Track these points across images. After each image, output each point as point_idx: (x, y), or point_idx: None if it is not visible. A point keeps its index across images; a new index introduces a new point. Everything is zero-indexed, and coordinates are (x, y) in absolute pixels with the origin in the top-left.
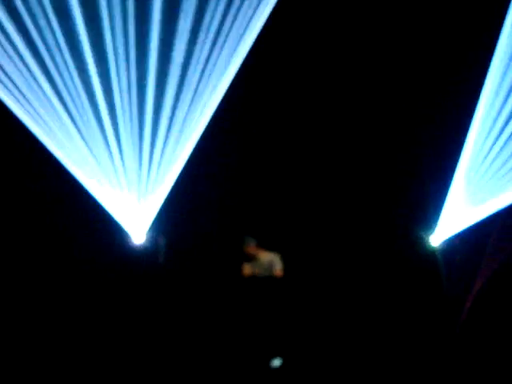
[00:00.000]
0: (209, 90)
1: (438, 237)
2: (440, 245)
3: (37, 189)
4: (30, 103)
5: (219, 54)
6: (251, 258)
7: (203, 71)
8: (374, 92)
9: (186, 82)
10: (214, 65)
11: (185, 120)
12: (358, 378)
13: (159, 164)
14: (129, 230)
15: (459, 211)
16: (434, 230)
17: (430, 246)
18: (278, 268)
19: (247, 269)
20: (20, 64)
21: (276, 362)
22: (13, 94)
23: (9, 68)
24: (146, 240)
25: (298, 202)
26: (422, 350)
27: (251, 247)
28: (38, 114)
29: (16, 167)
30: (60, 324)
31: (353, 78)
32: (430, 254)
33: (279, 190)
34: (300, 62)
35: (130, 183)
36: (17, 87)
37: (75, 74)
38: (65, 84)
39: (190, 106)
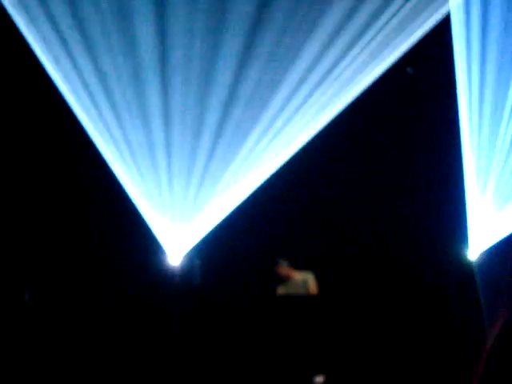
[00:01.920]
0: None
1: (474, 250)
2: (477, 258)
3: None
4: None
5: None
6: (285, 279)
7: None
8: None
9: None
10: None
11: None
12: None
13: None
14: (167, 250)
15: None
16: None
17: (467, 259)
18: (311, 286)
19: (282, 290)
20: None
21: (319, 379)
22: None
23: None
24: (183, 261)
25: (325, 221)
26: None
27: (284, 268)
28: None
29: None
30: (91, 341)
31: None
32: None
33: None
34: None
35: (177, 205)
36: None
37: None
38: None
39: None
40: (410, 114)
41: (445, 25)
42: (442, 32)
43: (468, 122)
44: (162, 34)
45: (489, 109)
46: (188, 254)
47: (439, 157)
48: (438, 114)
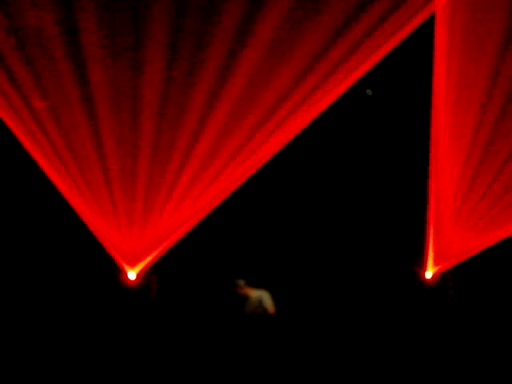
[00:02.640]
0: None
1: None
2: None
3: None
4: None
5: None
6: (242, 298)
7: None
8: None
9: None
10: None
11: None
12: None
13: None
14: (122, 266)
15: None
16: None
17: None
18: (268, 304)
19: (238, 308)
20: None
21: None
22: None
23: None
24: (139, 278)
25: (282, 240)
26: None
27: (241, 288)
28: None
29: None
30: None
31: None
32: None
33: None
34: None
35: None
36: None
37: None
38: None
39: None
40: None
41: None
42: None
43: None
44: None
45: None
46: (144, 269)
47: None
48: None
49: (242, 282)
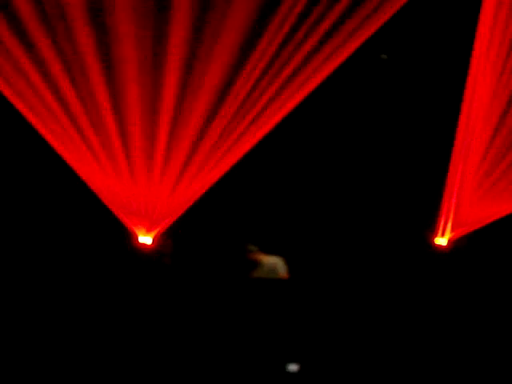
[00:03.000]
0: None
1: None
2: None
3: (43, 191)
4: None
5: None
6: (255, 264)
7: None
8: None
9: None
10: None
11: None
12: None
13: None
14: (136, 231)
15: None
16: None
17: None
18: (281, 271)
19: (251, 274)
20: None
21: (293, 367)
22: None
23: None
24: (154, 242)
25: (296, 205)
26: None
27: (253, 253)
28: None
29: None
30: (63, 326)
31: None
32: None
33: (277, 194)
34: None
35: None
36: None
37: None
38: None
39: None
40: None
41: None
42: None
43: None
44: None
45: None
46: (159, 234)
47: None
48: None
49: (254, 248)
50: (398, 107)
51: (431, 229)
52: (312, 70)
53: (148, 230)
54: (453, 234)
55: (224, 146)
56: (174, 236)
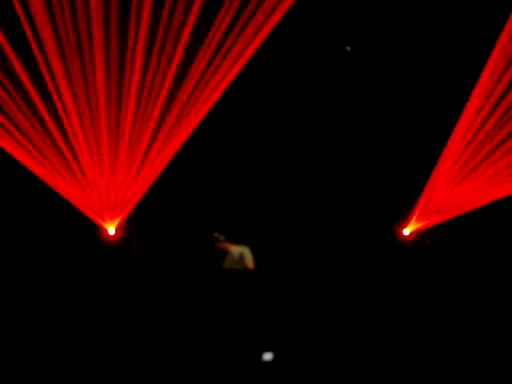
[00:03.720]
0: None
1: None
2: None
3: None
4: None
5: None
6: (222, 253)
7: None
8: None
9: None
10: None
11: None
12: (341, 367)
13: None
14: (101, 224)
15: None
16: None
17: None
18: (248, 260)
19: (218, 264)
20: None
21: (267, 356)
22: None
23: None
24: (119, 234)
25: (264, 196)
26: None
27: (221, 243)
28: None
29: None
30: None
31: None
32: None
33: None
34: None
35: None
36: None
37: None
38: None
39: None
40: None
41: None
42: None
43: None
44: None
45: None
46: (123, 225)
47: None
48: None
49: (221, 237)
50: (370, 101)
51: (398, 221)
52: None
53: (110, 221)
54: (417, 225)
55: (160, 139)
56: (138, 227)
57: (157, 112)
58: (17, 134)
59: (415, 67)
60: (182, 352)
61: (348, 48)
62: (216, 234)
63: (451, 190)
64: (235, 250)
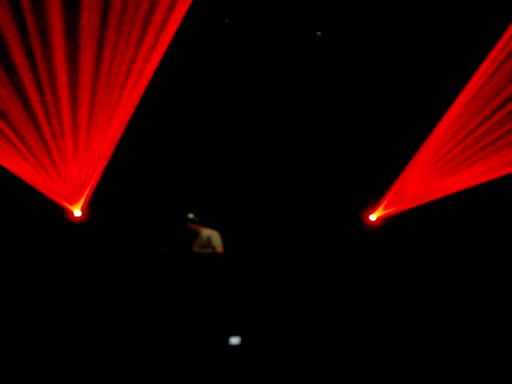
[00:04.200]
0: None
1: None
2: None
3: None
4: None
5: None
6: (193, 235)
7: None
8: None
9: None
10: None
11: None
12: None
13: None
14: (66, 206)
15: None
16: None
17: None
18: (217, 243)
19: (189, 246)
20: None
21: (234, 340)
22: None
23: None
24: (84, 216)
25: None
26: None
27: (193, 224)
28: None
29: None
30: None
31: None
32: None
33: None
34: None
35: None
36: None
37: None
38: None
39: None
40: None
41: None
42: None
43: None
44: None
45: None
46: (89, 207)
47: None
48: None
49: (195, 218)
50: (345, 92)
51: (365, 207)
52: None
53: (74, 203)
54: (384, 212)
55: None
56: (104, 209)
57: (114, 94)
58: None
59: (395, 61)
60: (148, 334)
61: (318, 33)
62: (191, 215)
63: (422, 181)
64: (204, 232)
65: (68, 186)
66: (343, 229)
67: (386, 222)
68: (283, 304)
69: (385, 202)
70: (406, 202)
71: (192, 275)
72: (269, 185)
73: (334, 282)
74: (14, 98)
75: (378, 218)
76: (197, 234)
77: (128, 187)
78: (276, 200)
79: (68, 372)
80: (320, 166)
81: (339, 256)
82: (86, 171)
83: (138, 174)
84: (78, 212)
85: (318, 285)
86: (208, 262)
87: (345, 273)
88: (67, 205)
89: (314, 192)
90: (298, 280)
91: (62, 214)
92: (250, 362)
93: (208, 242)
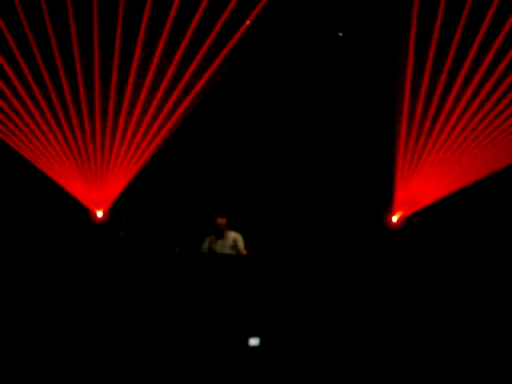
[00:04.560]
0: None
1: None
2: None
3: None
4: None
5: None
6: (219, 233)
7: None
8: None
9: None
10: None
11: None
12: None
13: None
14: (91, 207)
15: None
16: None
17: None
18: (241, 246)
19: (215, 246)
20: None
21: (253, 341)
22: None
23: None
24: (108, 217)
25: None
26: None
27: (223, 219)
28: None
29: None
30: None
31: None
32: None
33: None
34: None
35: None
36: None
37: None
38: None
39: None
40: None
41: None
42: None
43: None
44: None
45: None
46: (112, 209)
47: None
48: None
49: (223, 219)
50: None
51: (386, 209)
52: None
53: (99, 207)
54: (402, 212)
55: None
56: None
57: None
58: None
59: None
60: (170, 334)
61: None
62: (222, 212)
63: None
64: (231, 234)
65: (98, 194)
66: (367, 231)
67: (407, 223)
68: (304, 305)
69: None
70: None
71: (216, 275)
72: (289, 188)
73: (354, 283)
74: (56, 116)
75: (398, 219)
76: (221, 234)
77: (151, 190)
78: (297, 203)
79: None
80: (336, 169)
81: (362, 258)
82: (116, 181)
83: (163, 179)
84: (100, 213)
85: (338, 286)
86: (233, 263)
87: (367, 275)
88: (92, 207)
89: (330, 195)
90: (320, 283)
91: (86, 214)
92: (268, 363)
93: (234, 244)
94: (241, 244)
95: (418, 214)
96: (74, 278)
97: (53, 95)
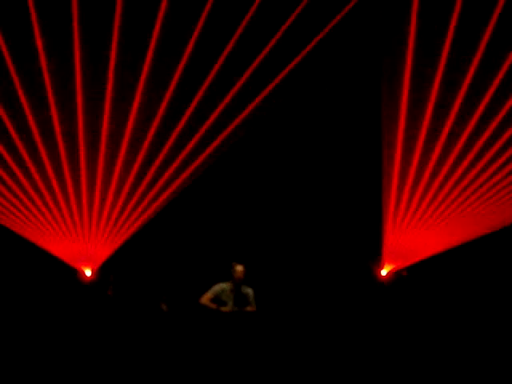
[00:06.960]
0: None
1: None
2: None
3: None
4: None
5: None
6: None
7: None
8: None
9: None
10: None
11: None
12: None
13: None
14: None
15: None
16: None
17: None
18: (253, 301)
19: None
20: None
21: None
22: None
23: None
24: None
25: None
26: None
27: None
28: None
29: None
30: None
31: None
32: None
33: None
34: None
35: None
36: None
37: None
38: None
39: None
40: None
41: None
42: None
43: None
44: None
45: None
46: (101, 268)
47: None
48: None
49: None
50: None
51: (375, 263)
52: None
53: (88, 267)
54: (392, 266)
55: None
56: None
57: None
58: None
59: None
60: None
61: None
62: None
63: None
64: (244, 288)
65: (88, 253)
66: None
67: (397, 276)
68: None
69: (389, 256)
70: (405, 255)
71: (230, 333)
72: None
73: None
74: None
75: (388, 273)
76: (239, 286)
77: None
78: (287, 256)
79: None
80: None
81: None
82: (107, 242)
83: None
84: (88, 272)
85: (328, 341)
86: (244, 319)
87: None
88: (81, 266)
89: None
90: (323, 338)
91: (74, 274)
92: None
93: (246, 299)
94: (252, 299)
95: (407, 268)
96: (63, 339)
97: (43, 156)
